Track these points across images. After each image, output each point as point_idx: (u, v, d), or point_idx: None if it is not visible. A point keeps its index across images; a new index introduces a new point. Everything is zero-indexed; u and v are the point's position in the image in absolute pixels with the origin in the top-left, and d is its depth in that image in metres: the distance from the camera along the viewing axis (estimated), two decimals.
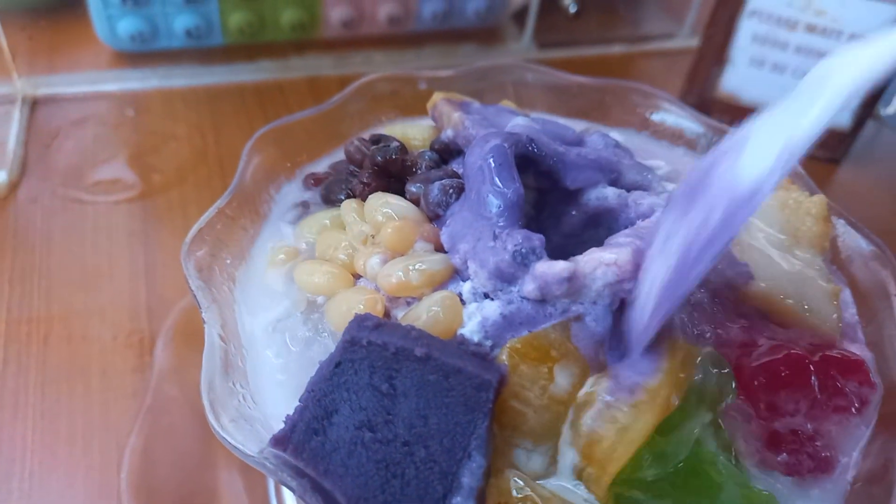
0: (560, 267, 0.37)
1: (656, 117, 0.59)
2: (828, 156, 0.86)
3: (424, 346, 0.34)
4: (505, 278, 0.39)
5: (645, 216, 0.44)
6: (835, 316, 0.43)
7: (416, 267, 0.40)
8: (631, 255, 0.39)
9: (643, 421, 0.36)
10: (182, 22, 0.90)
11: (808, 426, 0.39)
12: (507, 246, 0.39)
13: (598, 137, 0.51)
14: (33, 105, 0.86)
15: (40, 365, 0.61)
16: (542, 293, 0.38)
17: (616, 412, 0.36)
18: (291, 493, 0.51)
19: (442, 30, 1.00)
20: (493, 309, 0.39)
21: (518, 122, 0.49)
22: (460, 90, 0.57)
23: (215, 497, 0.51)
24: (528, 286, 0.38)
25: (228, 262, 0.45)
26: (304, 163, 0.54)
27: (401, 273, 0.40)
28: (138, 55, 0.93)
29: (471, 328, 0.39)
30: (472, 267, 0.40)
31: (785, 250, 0.46)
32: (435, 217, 0.45)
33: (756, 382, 0.39)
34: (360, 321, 0.36)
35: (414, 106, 0.58)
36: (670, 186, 0.48)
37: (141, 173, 0.79)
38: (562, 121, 0.56)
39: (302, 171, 0.53)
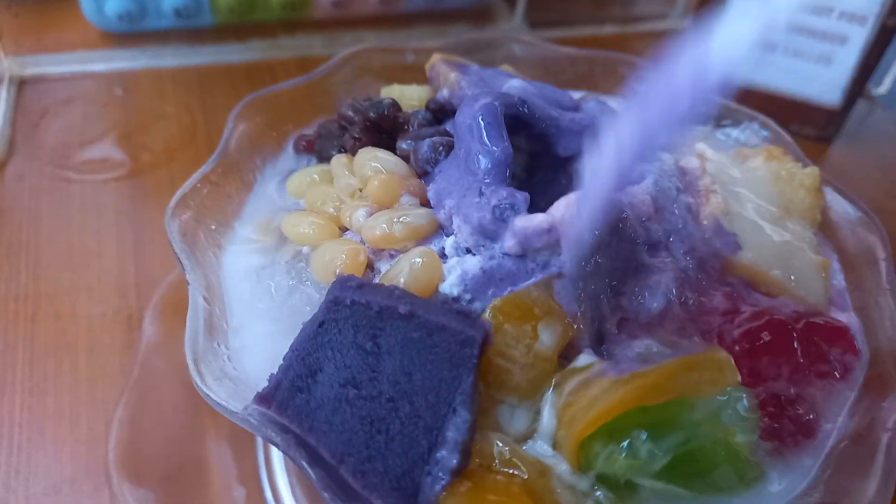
0: (539, 219, 0.37)
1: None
2: (818, 134, 0.86)
3: (408, 304, 0.34)
4: (487, 234, 0.39)
5: (635, 184, 0.43)
6: (822, 288, 0.43)
7: (400, 220, 0.40)
8: None
9: (618, 393, 0.35)
10: (171, 1, 0.89)
11: (791, 391, 0.39)
12: (490, 202, 0.39)
13: (595, 104, 0.50)
14: (21, 84, 0.85)
15: (28, 342, 0.60)
16: (523, 247, 0.38)
17: (596, 382, 0.36)
18: (281, 465, 0.51)
19: (433, 9, 0.99)
20: (473, 263, 0.39)
21: (513, 85, 0.48)
22: None
23: (204, 468, 0.51)
24: (509, 242, 0.38)
25: (213, 227, 0.45)
26: (290, 132, 0.53)
27: (385, 225, 0.40)
28: (127, 35, 0.92)
29: (450, 282, 0.39)
30: (456, 222, 0.40)
31: (776, 222, 0.46)
32: (423, 173, 0.45)
33: (738, 348, 0.39)
34: (342, 282, 0.36)
35: (402, 79, 0.57)
36: (665, 156, 0.47)
37: (129, 152, 0.79)
38: None
39: (289, 140, 0.53)
